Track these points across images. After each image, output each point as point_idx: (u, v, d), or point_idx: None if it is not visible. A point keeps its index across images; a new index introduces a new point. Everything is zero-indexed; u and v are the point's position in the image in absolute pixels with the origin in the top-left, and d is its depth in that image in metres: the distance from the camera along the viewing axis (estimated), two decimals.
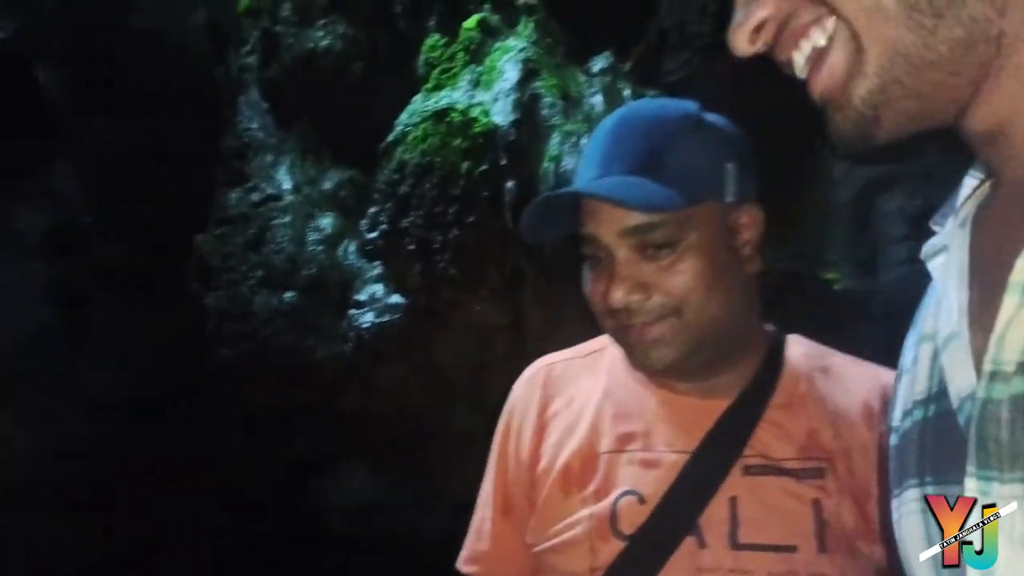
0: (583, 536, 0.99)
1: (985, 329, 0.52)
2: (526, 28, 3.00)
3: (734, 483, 0.98)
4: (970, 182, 0.61)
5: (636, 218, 0.93)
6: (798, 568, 0.95)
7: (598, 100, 2.88)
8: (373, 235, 2.98)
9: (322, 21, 3.55)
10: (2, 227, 3.85)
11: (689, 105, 1.01)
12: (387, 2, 3.52)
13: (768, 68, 0.60)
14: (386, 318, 3.05)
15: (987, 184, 0.59)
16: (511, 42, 2.96)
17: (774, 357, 1.06)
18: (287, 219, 3.36)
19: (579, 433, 1.04)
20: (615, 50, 3.11)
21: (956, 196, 0.61)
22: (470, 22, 3.08)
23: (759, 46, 0.58)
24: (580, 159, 1.04)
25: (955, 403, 0.54)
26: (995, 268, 0.53)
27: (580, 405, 1.06)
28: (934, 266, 0.62)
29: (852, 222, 3.23)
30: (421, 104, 2.94)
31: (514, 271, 2.74)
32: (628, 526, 0.98)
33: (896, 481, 0.62)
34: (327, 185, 3.45)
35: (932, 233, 0.64)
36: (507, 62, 2.88)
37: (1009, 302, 0.50)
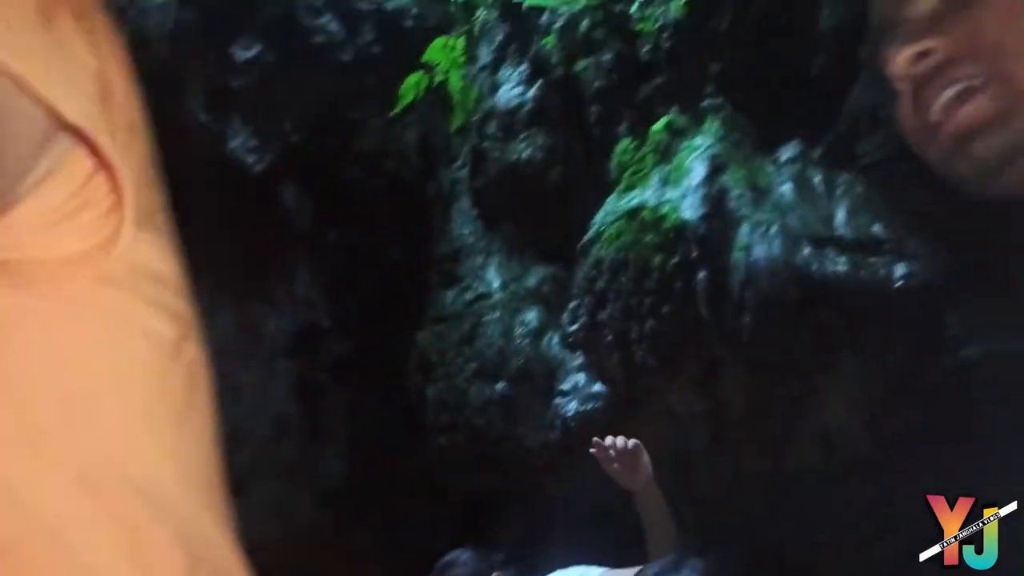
0: None
1: None
2: (712, 125, 3.14)
3: None
4: None
5: None
6: None
7: (788, 188, 2.95)
8: (574, 327, 3.17)
9: (524, 134, 3.87)
10: (255, 330, 4.40)
11: None
12: (580, 111, 3.79)
13: None
14: (589, 406, 3.20)
15: None
16: (698, 140, 3.11)
17: None
18: (496, 315, 3.64)
19: None
20: (804, 136, 3.17)
21: None
22: (658, 125, 3.26)
23: (917, 70, 0.59)
24: None
25: None
26: None
27: None
28: None
29: None
30: (615, 204, 3.14)
31: (712, 359, 2.82)
32: None
33: None
34: (531, 282, 3.70)
35: None
36: (694, 160, 3.03)
37: None
